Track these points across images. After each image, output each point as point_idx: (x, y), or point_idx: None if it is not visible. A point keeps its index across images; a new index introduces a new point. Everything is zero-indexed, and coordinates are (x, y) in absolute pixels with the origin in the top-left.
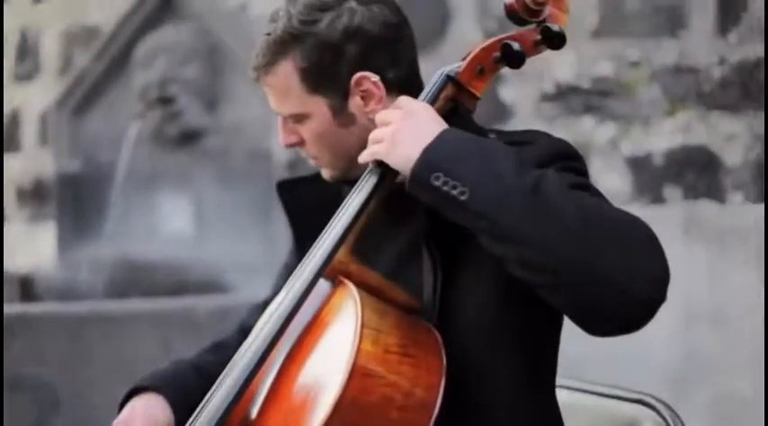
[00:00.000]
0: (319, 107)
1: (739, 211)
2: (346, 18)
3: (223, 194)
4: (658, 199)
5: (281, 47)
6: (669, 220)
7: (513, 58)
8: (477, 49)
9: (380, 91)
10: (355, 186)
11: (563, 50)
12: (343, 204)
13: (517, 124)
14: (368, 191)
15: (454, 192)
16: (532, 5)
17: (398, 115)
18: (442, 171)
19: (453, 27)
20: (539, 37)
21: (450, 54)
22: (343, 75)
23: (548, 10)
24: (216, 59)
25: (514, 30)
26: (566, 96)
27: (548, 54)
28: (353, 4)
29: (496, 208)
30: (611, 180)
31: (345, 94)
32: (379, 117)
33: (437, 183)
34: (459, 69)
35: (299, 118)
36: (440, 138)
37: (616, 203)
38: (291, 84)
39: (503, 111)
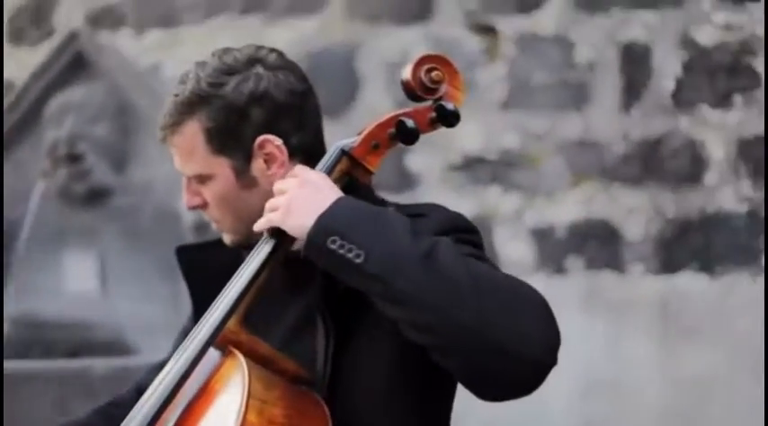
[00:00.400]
0: (223, 168)
1: (640, 283)
2: (253, 83)
3: (130, 254)
4: (561, 269)
5: (188, 107)
6: (571, 291)
7: (407, 136)
8: (373, 125)
9: (283, 155)
10: (249, 255)
11: (470, 121)
12: (236, 273)
13: (424, 192)
14: (260, 261)
15: (350, 255)
16: (428, 83)
17: (294, 183)
18: (338, 234)
19: (363, 94)
20: (434, 115)
21: (360, 121)
22: (248, 137)
23: (444, 88)
24: (126, 119)
25: (412, 106)
26: (472, 166)
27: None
28: (261, 70)
29: (391, 271)
30: (514, 250)
31: (249, 157)
32: (276, 186)
33: (333, 247)
34: (355, 144)
35: (203, 178)
36: (336, 205)
37: (519, 273)
38: (197, 144)
39: (409, 180)
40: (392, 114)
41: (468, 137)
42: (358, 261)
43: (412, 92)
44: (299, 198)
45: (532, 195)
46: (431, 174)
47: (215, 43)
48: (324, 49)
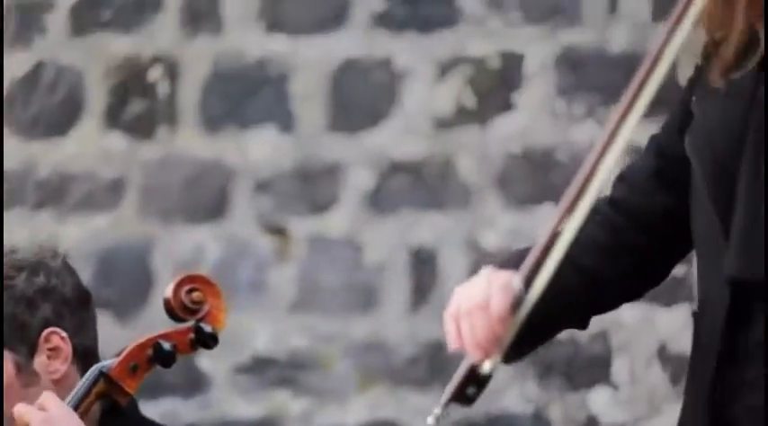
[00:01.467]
0: (4, 364)
1: None
2: (43, 277)
3: None
4: None
5: None
6: None
7: (164, 359)
8: (131, 346)
9: (68, 348)
10: None
11: (260, 322)
12: None
13: (213, 395)
14: None
15: None
16: (189, 304)
17: (38, 420)
18: None
19: (155, 293)
20: (193, 336)
21: (152, 320)
22: (34, 329)
23: (205, 309)
24: None
25: (172, 327)
26: (262, 368)
27: (245, 324)
28: (49, 267)
29: None
30: None
31: (32, 350)
32: (22, 416)
33: None
34: (113, 366)
35: None
36: None
37: None
38: None
39: (199, 381)
40: (151, 336)
41: (257, 337)
42: None
43: (172, 312)
44: None
45: (321, 398)
46: (220, 375)
47: (8, 237)
48: (116, 246)
